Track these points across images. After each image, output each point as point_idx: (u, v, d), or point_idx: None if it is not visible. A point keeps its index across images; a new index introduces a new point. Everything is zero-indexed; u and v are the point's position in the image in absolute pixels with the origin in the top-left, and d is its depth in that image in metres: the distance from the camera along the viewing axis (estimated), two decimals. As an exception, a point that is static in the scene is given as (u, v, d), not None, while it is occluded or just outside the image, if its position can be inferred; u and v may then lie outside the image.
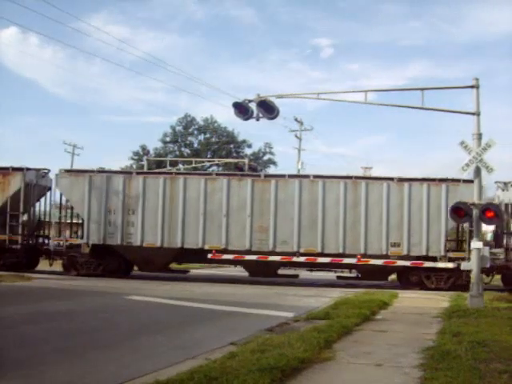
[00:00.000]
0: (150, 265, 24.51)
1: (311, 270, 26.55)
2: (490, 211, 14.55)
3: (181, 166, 50.93)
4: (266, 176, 23.83)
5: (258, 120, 16.69)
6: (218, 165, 54.08)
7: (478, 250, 14.55)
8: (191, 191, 23.26)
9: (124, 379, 6.52)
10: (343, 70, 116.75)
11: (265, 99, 16.36)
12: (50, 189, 26.43)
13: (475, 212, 14.57)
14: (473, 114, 14.91)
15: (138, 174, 24.78)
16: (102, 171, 24.95)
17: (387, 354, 8.23)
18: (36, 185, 25.49)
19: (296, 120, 50.14)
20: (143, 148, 62.99)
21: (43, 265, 26.23)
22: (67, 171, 24.97)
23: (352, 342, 9.30)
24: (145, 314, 13.43)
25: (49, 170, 26.18)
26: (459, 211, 14.87)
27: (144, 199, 23.56)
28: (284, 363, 6.88)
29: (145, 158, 48.02)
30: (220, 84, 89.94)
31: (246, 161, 35.68)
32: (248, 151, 65.66)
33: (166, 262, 24.77)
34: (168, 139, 65.62)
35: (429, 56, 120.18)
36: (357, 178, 22.93)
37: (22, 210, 24.94)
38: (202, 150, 63.44)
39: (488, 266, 15.35)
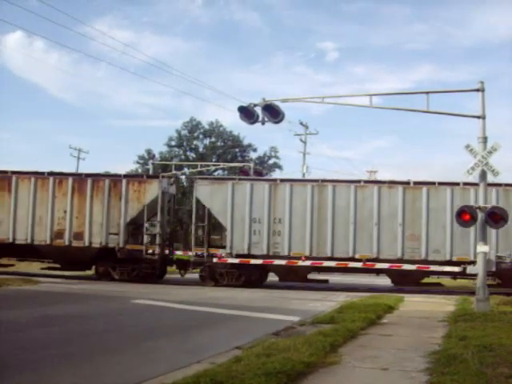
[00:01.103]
0: (291, 275, 23.74)
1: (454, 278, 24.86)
2: (496, 215, 14.50)
3: (186, 169, 50.96)
4: (416, 183, 22.74)
5: (263, 124, 16.71)
6: (223, 169, 54.21)
7: (484, 253, 14.51)
8: (340, 199, 22.65)
9: (130, 383, 6.53)
10: (348, 73, 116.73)
11: (270, 103, 16.37)
12: (174, 196, 26.02)
13: (481, 215, 14.53)
14: (478, 117, 14.88)
15: (282, 181, 23.84)
16: (244, 178, 24.31)
17: (393, 358, 8.21)
18: (167, 192, 25.00)
19: (301, 124, 50.11)
20: (149, 152, 63.07)
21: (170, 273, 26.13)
22: (206, 179, 24.60)
23: (358, 346, 9.28)
24: (151, 317, 13.45)
25: (177, 178, 25.49)
26: (465, 215, 14.82)
27: (291, 207, 22.93)
28: (290, 367, 6.88)
29: (150, 162, 48.08)
30: (225, 88, 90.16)
31: (252, 165, 35.66)
32: (253, 155, 65.68)
33: (308, 272, 23.90)
34: (173, 143, 65.67)
35: (434, 59, 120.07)
36: (507, 185, 22.08)
37: (159, 218, 24.36)
38: (208, 153, 63.47)
39: (494, 269, 15.29)
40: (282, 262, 22.76)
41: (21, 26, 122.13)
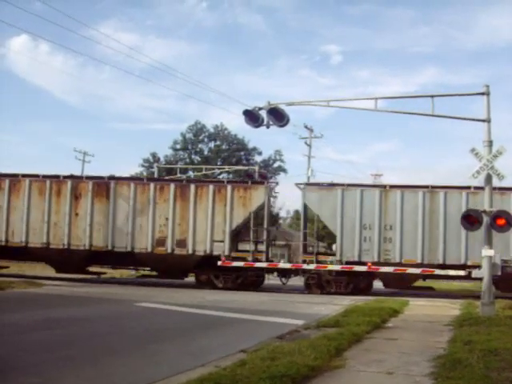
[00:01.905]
0: (398, 282, 23.32)
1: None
2: (501, 219, 14.47)
3: (191, 173, 51.02)
4: None
5: (268, 127, 16.72)
6: (228, 172, 54.26)
7: (489, 257, 14.47)
8: (451, 206, 22.28)
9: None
10: (352, 76, 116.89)
11: (275, 107, 16.38)
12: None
13: (486, 219, 14.49)
14: (483, 120, 14.86)
15: (392, 187, 23.29)
16: (353, 185, 23.76)
17: (398, 362, 8.18)
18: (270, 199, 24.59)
19: (306, 127, 50.15)
20: (153, 155, 63.26)
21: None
22: (314, 185, 24.16)
23: (363, 350, 9.26)
24: (155, 320, 13.44)
25: (277, 183, 24.88)
26: (470, 218, 14.79)
27: (402, 214, 22.59)
28: (294, 371, 6.86)
29: (155, 165, 48.21)
30: (229, 91, 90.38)
31: (256, 168, 35.67)
32: (258, 158, 65.81)
33: (416, 280, 23.57)
34: (178, 146, 65.90)
35: (439, 63, 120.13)
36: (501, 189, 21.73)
37: (266, 225, 23.91)
38: (213, 157, 63.62)
39: (499, 273, 15.24)
40: (390, 269, 22.28)
41: (26, 29, 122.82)
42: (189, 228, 23.40)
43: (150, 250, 23.59)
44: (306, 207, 23.84)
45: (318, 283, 23.08)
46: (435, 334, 11.56)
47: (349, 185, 23.58)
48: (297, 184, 24.12)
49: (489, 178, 14.74)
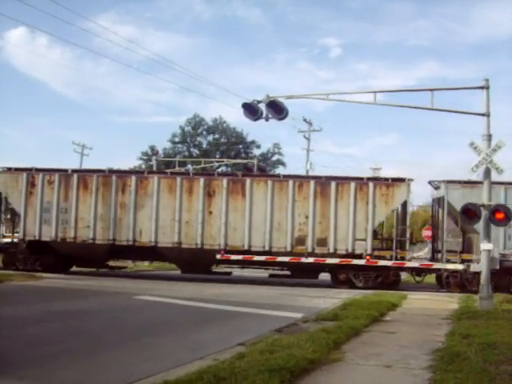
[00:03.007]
0: None
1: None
2: (500, 212, 14.48)
3: (190, 166, 51.01)
4: None
5: (267, 121, 16.68)
6: (227, 165, 54.23)
7: (488, 251, 14.49)
8: None
9: (133, 379, 6.53)
10: (351, 70, 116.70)
11: (274, 100, 16.33)
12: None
13: (484, 213, 14.50)
14: (482, 114, 14.84)
15: None
16: (496, 182, 21.46)
17: (396, 356, 8.20)
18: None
19: (305, 120, 50.05)
20: (152, 148, 63.18)
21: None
22: (458, 182, 22.54)
23: (361, 344, 9.28)
24: (153, 313, 13.46)
25: (412, 180, 23.28)
26: (469, 212, 14.80)
27: None
28: (293, 364, 6.87)
29: (154, 158, 48.16)
30: (228, 84, 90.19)
31: (255, 161, 35.69)
32: (257, 152, 65.74)
33: None
34: (177, 139, 65.80)
35: (438, 56, 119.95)
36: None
37: (408, 223, 23.42)
38: (211, 150, 63.54)
39: (497, 267, 15.26)
40: None
41: (23, 22, 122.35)
42: (330, 226, 22.62)
43: (289, 249, 22.76)
44: (449, 205, 22.55)
45: (459, 282, 22.13)
46: (433, 327, 11.59)
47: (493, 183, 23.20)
48: (431, 182, 23.53)
49: (488, 172, 14.74)
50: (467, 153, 14.64)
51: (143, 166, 59.33)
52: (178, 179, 23.61)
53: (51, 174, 24.65)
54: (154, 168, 40.86)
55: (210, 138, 66.88)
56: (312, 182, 22.87)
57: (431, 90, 15.29)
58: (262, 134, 70.67)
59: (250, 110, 16.58)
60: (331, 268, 23.22)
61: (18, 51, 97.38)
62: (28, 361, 7.41)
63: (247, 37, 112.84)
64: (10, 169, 25.42)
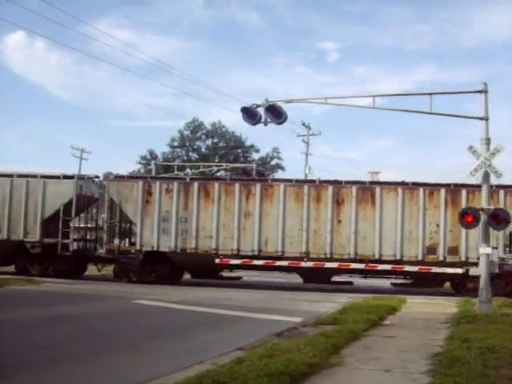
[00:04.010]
0: None
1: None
2: (499, 216, 14.48)
3: (188, 170, 51.04)
4: None
5: (266, 125, 16.70)
6: (225, 169, 54.25)
7: (487, 255, 14.48)
8: None
9: (132, 383, 6.53)
10: (350, 74, 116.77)
11: (273, 104, 16.34)
12: None
13: (483, 217, 14.51)
14: (481, 118, 14.86)
15: None
16: None
17: (395, 360, 8.20)
18: None
19: (303, 125, 50.10)
20: (151, 152, 63.21)
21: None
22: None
23: (360, 348, 9.27)
24: (152, 318, 13.45)
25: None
26: (467, 216, 14.81)
27: None
28: (292, 368, 6.86)
29: (152, 162, 48.19)
30: (226, 88, 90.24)
31: (254, 166, 35.71)
32: (256, 156, 65.78)
33: None
34: (176, 144, 65.86)
35: (436, 60, 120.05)
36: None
37: None
38: (210, 154, 63.60)
39: (497, 271, 15.26)
40: None
41: (22, 26, 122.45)
42: (461, 234, 21.82)
43: (420, 258, 22.15)
44: None
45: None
46: (433, 331, 11.58)
47: None
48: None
49: (486, 176, 14.75)
50: (468, 156, 14.65)
51: (142, 171, 59.36)
52: (306, 187, 22.97)
53: (169, 182, 24.27)
54: (153, 173, 40.82)
55: (209, 142, 66.97)
56: (442, 190, 22.32)
57: (430, 93, 15.31)
58: (261, 138, 70.81)
59: (249, 114, 16.60)
60: (459, 277, 22.30)
61: (16, 55, 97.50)
62: (26, 365, 7.41)
63: (245, 41, 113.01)
64: (123, 177, 24.94)
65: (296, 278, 25.87)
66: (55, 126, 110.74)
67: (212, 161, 58.45)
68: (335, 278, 24.96)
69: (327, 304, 16.98)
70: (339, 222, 22.65)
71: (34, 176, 25.23)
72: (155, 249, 23.55)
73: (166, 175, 24.36)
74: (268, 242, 22.90)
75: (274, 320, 12.98)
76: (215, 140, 66.55)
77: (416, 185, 22.80)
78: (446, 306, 17.38)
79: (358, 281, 26.23)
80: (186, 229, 23.38)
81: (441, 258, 22.05)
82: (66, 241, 24.79)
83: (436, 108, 15.46)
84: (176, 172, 39.95)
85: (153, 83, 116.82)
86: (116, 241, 24.89)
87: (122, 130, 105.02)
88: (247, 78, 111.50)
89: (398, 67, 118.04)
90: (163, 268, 23.96)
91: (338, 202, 22.71)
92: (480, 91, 14.97)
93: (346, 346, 9.22)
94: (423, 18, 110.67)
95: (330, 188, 22.72)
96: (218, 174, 55.05)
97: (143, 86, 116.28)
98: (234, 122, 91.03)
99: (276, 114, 16.52)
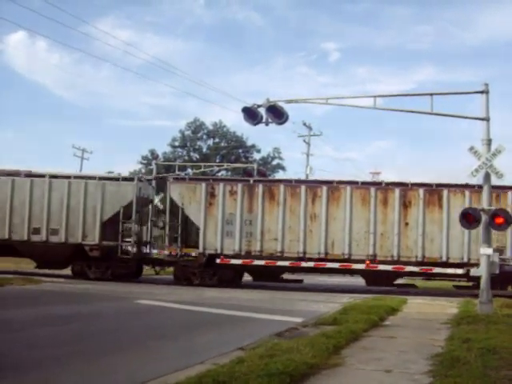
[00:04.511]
0: None
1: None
2: (500, 217, 14.48)
3: (190, 170, 51.01)
4: None
5: (267, 125, 16.68)
6: (226, 169, 54.22)
7: (488, 256, 14.48)
8: None
9: (133, 383, 6.53)
10: (351, 74, 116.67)
11: (274, 104, 16.34)
12: None
13: (484, 218, 14.50)
14: (482, 119, 14.86)
15: None
16: None
17: (396, 361, 8.20)
18: None
19: (305, 125, 50.11)
20: (152, 152, 63.21)
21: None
22: None
23: (360, 348, 9.27)
24: (153, 317, 13.46)
25: None
26: (468, 217, 14.80)
27: None
28: (292, 368, 6.86)
29: (154, 162, 48.17)
30: (227, 88, 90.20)
31: (255, 166, 35.68)
32: (257, 156, 65.75)
33: None
34: (177, 144, 65.83)
35: (437, 60, 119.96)
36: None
37: None
38: (211, 154, 63.57)
39: (497, 272, 15.25)
40: None
41: (23, 26, 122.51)
42: None
43: None
44: None
45: None
46: (433, 332, 11.57)
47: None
48: None
49: (487, 177, 14.75)
50: (468, 157, 14.64)
51: (143, 171, 59.32)
52: (372, 190, 22.89)
53: (233, 183, 24.04)
54: (154, 173, 40.74)
55: (210, 142, 66.93)
56: (510, 193, 22.23)
57: (431, 94, 15.31)
58: (262, 139, 70.76)
59: (250, 114, 16.59)
60: None
61: (17, 55, 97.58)
62: (31, 364, 7.42)
63: (246, 41, 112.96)
64: (184, 178, 24.73)
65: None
66: (56, 125, 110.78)
67: (213, 161, 58.40)
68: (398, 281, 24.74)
69: (328, 304, 16.99)
70: (406, 224, 22.65)
71: (92, 178, 25.08)
72: (219, 252, 23.40)
73: (229, 177, 24.01)
74: (334, 244, 22.81)
75: (275, 320, 12.99)
76: (216, 140, 66.52)
77: (481, 188, 22.49)
78: (447, 306, 17.39)
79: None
80: (250, 231, 23.29)
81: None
82: (126, 243, 24.66)
83: (437, 108, 15.48)
84: (177, 172, 39.85)
85: (154, 83, 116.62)
86: (178, 243, 24.43)
87: (123, 129, 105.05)
88: (248, 78, 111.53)
89: (398, 67, 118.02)
90: (226, 272, 23.82)
91: (404, 205, 22.71)
92: (481, 92, 14.96)
93: (347, 347, 9.22)
94: (424, 19, 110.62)
95: (397, 190, 22.70)
96: (219, 174, 55.05)
97: (144, 86, 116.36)
98: (235, 122, 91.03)
99: (277, 114, 16.51)
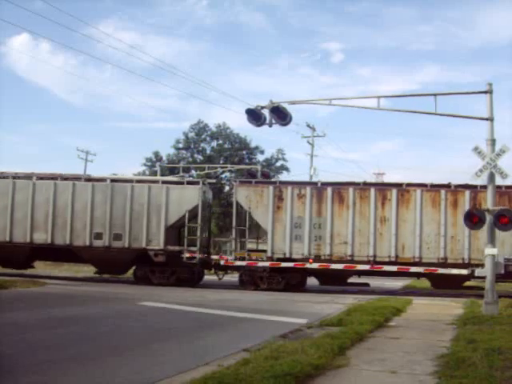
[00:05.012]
0: None
1: None
2: (505, 217, 14.44)
3: (193, 172, 51.08)
4: None
5: (270, 126, 16.69)
6: (230, 171, 54.24)
7: (492, 256, 14.45)
8: None
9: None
10: (354, 74, 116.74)
11: (277, 105, 16.34)
12: None
13: (489, 218, 14.47)
14: (486, 119, 14.84)
15: None
16: None
17: (401, 361, 8.18)
18: None
19: (308, 126, 50.06)
20: (156, 154, 63.27)
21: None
22: None
23: (366, 349, 9.25)
24: (157, 319, 13.45)
25: None
26: (473, 217, 14.76)
27: None
28: (298, 370, 6.86)
29: (158, 164, 48.22)
30: (230, 89, 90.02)
31: (259, 167, 35.65)
32: (260, 157, 65.73)
33: None
34: (181, 145, 65.85)
35: (440, 60, 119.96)
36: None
37: None
38: (215, 156, 63.58)
39: (503, 271, 15.22)
40: None
41: (26, 28, 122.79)
42: None
43: None
44: None
45: None
46: (438, 332, 11.55)
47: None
48: None
49: (492, 177, 14.72)
50: (473, 157, 14.63)
51: (147, 173, 59.40)
52: (442, 192, 22.61)
53: (301, 186, 23.74)
54: (158, 174, 40.83)
55: (214, 143, 66.91)
56: None
57: (435, 94, 15.29)
58: (266, 140, 70.80)
59: (254, 115, 16.60)
60: None
61: (21, 57, 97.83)
62: (34, 367, 7.41)
63: (250, 42, 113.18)
64: (250, 181, 24.47)
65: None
66: (60, 128, 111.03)
67: (217, 162, 58.42)
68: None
69: (332, 305, 16.97)
70: None
71: (155, 181, 24.94)
72: (287, 256, 23.20)
73: (296, 180, 23.78)
74: (405, 247, 22.67)
75: (280, 321, 12.98)
76: (220, 142, 66.52)
77: None
78: (452, 307, 17.35)
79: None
80: (319, 235, 23.10)
81: None
82: (192, 248, 24.35)
83: (441, 108, 15.46)
84: (181, 174, 39.90)
85: (157, 85, 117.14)
86: (245, 247, 24.21)
87: (127, 131, 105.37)
88: (252, 79, 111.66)
89: (402, 68, 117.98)
90: (294, 275, 23.63)
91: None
92: (485, 92, 14.94)
93: (352, 348, 9.21)
94: (427, 19, 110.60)
95: (467, 193, 22.46)
96: (223, 175, 55.10)
97: (148, 88, 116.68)
98: (239, 124, 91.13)
99: (281, 115, 16.51)
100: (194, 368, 7.36)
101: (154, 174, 49.03)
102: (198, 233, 24.45)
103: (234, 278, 26.33)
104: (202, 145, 66.27)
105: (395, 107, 17.29)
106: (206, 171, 43.08)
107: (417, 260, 22.46)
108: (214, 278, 25.99)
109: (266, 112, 16.52)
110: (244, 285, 23.81)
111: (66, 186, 24.59)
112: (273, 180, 24.11)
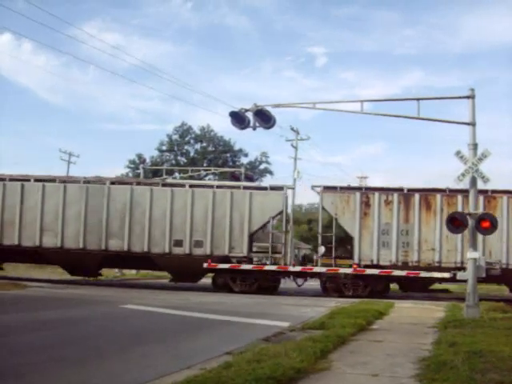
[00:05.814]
0: None
1: None
2: (486, 221, 14.55)
3: (177, 174, 50.92)
4: None
5: (254, 129, 16.71)
6: (214, 174, 54.22)
7: (474, 259, 14.55)
8: None
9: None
10: (338, 78, 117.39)
11: (261, 108, 16.36)
12: None
13: (471, 222, 14.57)
14: (468, 124, 14.96)
15: None
16: None
17: (383, 365, 8.19)
18: None
19: (292, 129, 50.13)
20: (139, 156, 63.07)
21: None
22: None
23: (348, 352, 9.26)
24: (139, 323, 13.36)
25: None
26: (455, 221, 14.87)
27: None
28: (280, 373, 6.84)
29: (141, 166, 48.04)
30: (214, 92, 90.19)
31: (243, 170, 35.68)
32: (244, 160, 65.83)
33: None
34: (164, 148, 65.73)
35: (424, 65, 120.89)
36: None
37: None
38: (199, 158, 63.54)
39: (484, 275, 15.32)
40: None
41: (9, 28, 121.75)
42: None
43: None
44: None
45: None
46: (420, 335, 11.60)
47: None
48: None
49: (474, 181, 14.83)
50: (455, 161, 14.74)
51: (130, 174, 59.16)
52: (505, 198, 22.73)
53: (388, 193, 23.45)
54: (141, 177, 40.62)
55: (198, 146, 66.88)
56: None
57: (418, 99, 15.39)
58: (250, 143, 70.91)
59: (238, 118, 16.60)
60: None
61: (3, 57, 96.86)
62: (11, 370, 7.30)
63: (234, 45, 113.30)
64: (335, 187, 24.06)
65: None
66: (42, 128, 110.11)
67: (200, 165, 58.41)
68: None
69: (315, 309, 16.98)
70: None
71: (236, 187, 24.49)
72: (375, 263, 23.02)
73: (382, 186, 23.55)
74: (491, 253, 22.52)
75: (262, 325, 12.95)
76: (204, 144, 66.49)
77: None
78: (434, 310, 17.44)
79: None
80: (407, 241, 22.97)
81: None
82: (277, 255, 23.94)
83: (424, 112, 15.56)
84: (164, 176, 39.76)
85: (141, 87, 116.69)
86: (332, 254, 23.73)
87: (110, 133, 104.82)
88: (236, 82, 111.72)
89: (385, 72, 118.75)
90: (378, 282, 23.46)
91: None
92: (467, 97, 15.06)
93: (334, 351, 9.21)
94: (411, 23, 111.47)
95: (505, 198, 22.60)
96: (207, 178, 54.98)
97: (131, 90, 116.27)
98: (223, 126, 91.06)
99: (264, 118, 16.54)
100: (177, 371, 7.31)
101: (138, 175, 48.83)
102: (284, 239, 24.22)
103: (311, 285, 25.87)
104: (185, 147, 66.26)
105: (378, 111, 17.34)
106: (190, 174, 42.96)
107: (504, 266, 22.32)
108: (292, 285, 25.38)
109: (249, 115, 16.53)
110: (327, 292, 23.55)
111: (143, 192, 24.09)
112: (358, 186, 23.99)
